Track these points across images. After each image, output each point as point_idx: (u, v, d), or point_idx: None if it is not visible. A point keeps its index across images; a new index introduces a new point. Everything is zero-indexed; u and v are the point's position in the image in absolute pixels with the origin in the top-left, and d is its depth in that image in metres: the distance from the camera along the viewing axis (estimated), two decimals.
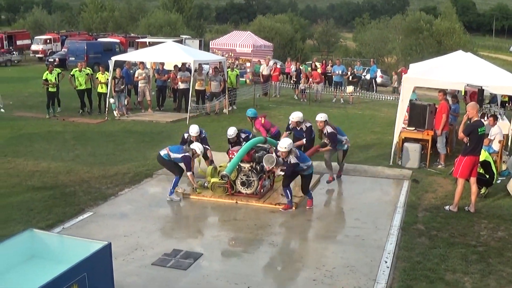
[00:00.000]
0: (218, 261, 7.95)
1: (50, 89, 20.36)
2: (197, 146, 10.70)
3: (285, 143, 9.69)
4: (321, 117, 11.46)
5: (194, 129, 11.71)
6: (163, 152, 10.71)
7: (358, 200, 10.65)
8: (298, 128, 11.88)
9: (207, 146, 11.69)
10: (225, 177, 9.97)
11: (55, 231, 8.47)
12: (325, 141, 11.55)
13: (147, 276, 7.27)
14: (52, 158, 13.79)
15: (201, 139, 11.67)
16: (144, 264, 7.60)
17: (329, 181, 11.62)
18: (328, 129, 11.40)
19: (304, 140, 11.93)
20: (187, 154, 10.47)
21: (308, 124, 12.04)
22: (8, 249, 5.93)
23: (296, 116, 11.85)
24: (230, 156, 11.04)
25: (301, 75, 27.21)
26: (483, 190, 10.79)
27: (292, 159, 9.56)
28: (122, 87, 20.54)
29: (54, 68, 21.19)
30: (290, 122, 12.01)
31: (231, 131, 12.04)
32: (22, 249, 6.14)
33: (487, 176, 10.76)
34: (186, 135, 12.02)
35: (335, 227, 9.38)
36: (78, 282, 5.49)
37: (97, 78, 20.98)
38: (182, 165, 10.61)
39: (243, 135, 12.13)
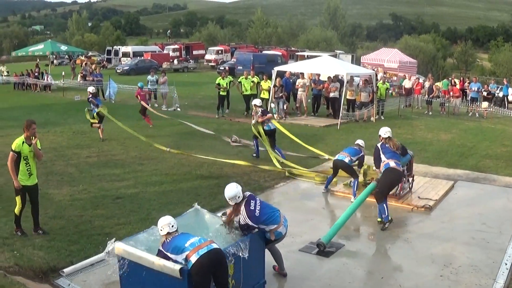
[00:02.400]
0: (357, 252, 8.23)
1: (221, 93, 21.96)
2: None
3: None
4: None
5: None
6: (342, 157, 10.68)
7: (486, 207, 10.51)
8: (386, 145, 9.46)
9: None
10: (322, 246, 8.25)
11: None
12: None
13: (294, 260, 7.66)
14: (219, 152, 14.79)
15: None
16: (292, 250, 8.05)
17: None
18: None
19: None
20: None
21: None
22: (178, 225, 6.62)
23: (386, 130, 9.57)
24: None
25: (434, 91, 26.70)
26: None
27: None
28: (281, 94, 21.45)
29: (227, 76, 22.87)
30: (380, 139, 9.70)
31: None
32: (190, 223, 6.77)
33: None
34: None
35: (464, 229, 9.30)
36: (235, 259, 5.98)
37: (261, 85, 22.22)
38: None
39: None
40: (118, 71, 46.71)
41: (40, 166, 11.27)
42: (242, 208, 6.46)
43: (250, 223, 6.37)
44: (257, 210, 6.44)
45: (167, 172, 12.70)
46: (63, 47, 45.14)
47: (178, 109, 23.79)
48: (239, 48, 58.54)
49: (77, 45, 79.71)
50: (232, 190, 6.55)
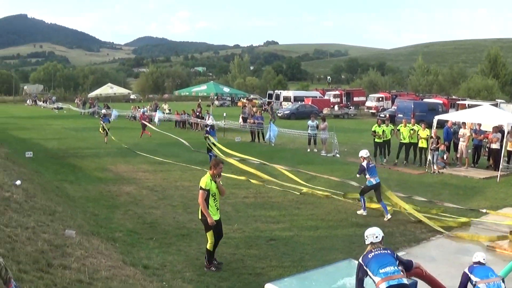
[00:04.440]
0: None
1: (376, 140, 22.40)
2: None
3: None
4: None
5: None
6: None
7: None
8: None
9: None
10: None
11: None
12: None
13: None
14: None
15: None
16: None
17: None
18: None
19: None
20: None
21: None
22: (329, 273, 6.82)
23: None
24: None
25: None
26: None
27: None
28: (436, 146, 21.01)
29: (388, 123, 22.87)
30: None
31: None
32: (340, 274, 6.97)
33: None
34: None
35: None
36: None
37: (419, 134, 21.82)
38: None
39: None
40: (279, 114, 48.90)
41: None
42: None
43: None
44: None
45: (323, 218, 13.06)
46: (226, 89, 47.16)
47: (337, 155, 24.16)
48: (399, 96, 57.93)
49: (239, 88, 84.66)
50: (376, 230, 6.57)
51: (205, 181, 9.05)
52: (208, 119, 35.44)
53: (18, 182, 11.78)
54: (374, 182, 13.42)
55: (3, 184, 11.04)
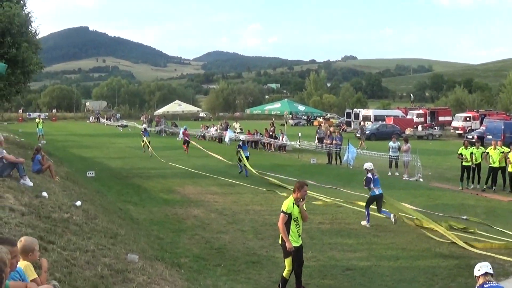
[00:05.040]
0: None
1: (464, 163, 21.26)
2: None
3: None
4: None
5: None
6: None
7: None
8: None
9: None
10: None
11: None
12: None
13: None
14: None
15: None
16: None
17: None
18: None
19: None
20: None
21: None
22: None
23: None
24: None
25: None
26: None
27: None
28: None
29: (478, 145, 21.89)
30: None
31: None
32: None
33: None
34: None
35: None
36: None
37: (509, 157, 20.55)
38: None
39: None
40: (357, 135, 46.26)
41: (269, 228, 11.97)
42: None
43: None
44: None
45: (404, 247, 12.46)
46: (301, 107, 46.18)
47: (421, 179, 23.25)
48: (488, 115, 55.43)
49: (315, 106, 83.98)
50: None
51: (288, 204, 8.68)
52: (282, 139, 35.22)
53: (78, 203, 11.74)
54: (377, 193, 14.67)
55: (62, 205, 11.03)
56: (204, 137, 46.39)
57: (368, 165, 14.93)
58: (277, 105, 44.82)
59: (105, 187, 19.85)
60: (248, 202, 17.57)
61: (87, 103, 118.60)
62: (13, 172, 13.17)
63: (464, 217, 15.45)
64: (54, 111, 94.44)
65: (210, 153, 30.23)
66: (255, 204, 17.24)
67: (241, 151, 24.08)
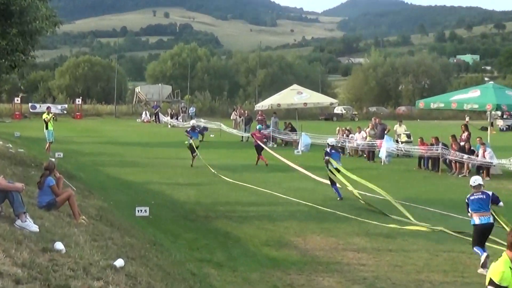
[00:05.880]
0: None
1: None
2: None
3: None
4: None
5: None
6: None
7: None
8: None
9: None
10: None
11: None
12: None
13: None
14: None
15: None
16: None
17: None
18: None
19: None
20: None
21: None
22: None
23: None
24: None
25: None
26: None
27: None
28: None
29: None
30: None
31: None
32: None
33: None
34: None
35: None
36: None
37: None
38: None
39: None
40: None
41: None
42: None
43: None
44: None
45: None
46: None
47: None
48: None
49: None
50: None
51: (500, 270, 5.21)
52: (483, 155, 20.37)
53: (119, 263, 7.48)
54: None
55: (90, 265, 6.92)
56: (343, 149, 26.81)
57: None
58: (474, 93, 25.99)
59: (167, 235, 12.56)
60: (420, 268, 10.41)
61: (138, 89, 72.83)
62: (4, 207, 8.49)
63: None
64: (78, 101, 58.32)
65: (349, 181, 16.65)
66: (432, 271, 10.20)
67: (331, 160, 16.27)
